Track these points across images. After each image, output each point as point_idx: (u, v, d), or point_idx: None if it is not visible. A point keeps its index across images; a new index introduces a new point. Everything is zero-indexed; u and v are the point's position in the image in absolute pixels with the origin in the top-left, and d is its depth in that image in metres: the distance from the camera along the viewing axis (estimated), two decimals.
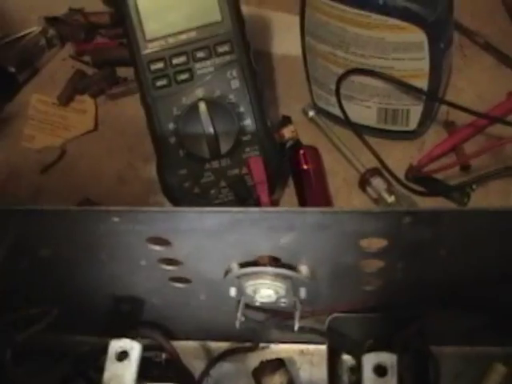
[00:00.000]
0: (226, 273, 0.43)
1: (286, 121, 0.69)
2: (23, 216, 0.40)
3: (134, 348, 0.42)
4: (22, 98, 0.78)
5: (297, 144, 0.67)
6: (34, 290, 0.46)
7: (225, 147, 0.61)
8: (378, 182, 0.64)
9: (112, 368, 0.42)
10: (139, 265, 0.43)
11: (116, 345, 0.42)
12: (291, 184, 0.66)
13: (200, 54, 0.61)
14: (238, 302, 0.45)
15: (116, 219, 0.38)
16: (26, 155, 0.73)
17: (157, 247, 0.41)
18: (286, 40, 0.75)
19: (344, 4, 0.59)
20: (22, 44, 0.80)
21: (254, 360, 0.53)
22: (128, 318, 0.49)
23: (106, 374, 0.42)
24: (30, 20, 0.82)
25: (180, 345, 0.52)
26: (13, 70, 0.78)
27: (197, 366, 0.53)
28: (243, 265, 0.43)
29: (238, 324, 0.45)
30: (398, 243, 0.40)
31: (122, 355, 0.42)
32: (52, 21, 0.81)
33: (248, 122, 0.61)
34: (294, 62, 0.70)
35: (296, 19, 0.65)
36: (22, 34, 0.82)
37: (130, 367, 0.41)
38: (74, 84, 0.76)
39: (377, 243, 0.41)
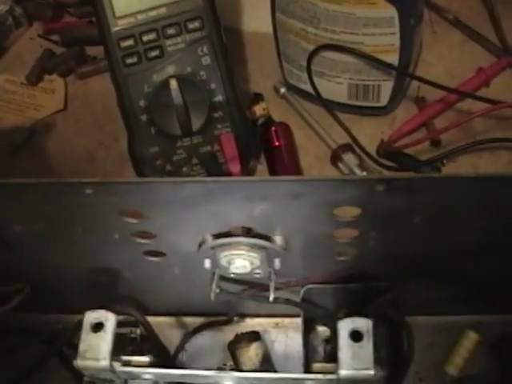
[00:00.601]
0: (200, 244, 0.43)
1: (258, 98, 0.69)
2: None
3: (109, 319, 0.42)
4: None
5: (268, 121, 0.68)
6: (5, 268, 0.45)
7: (196, 124, 0.60)
8: (349, 158, 0.64)
9: (87, 339, 0.41)
10: (113, 238, 0.43)
11: (91, 316, 0.42)
12: (263, 161, 0.67)
13: (170, 31, 0.60)
14: (213, 274, 0.45)
15: (89, 191, 0.38)
16: None
17: (130, 220, 0.41)
18: (256, 17, 0.75)
19: None
20: None
21: (229, 333, 0.53)
22: (102, 293, 0.48)
23: (82, 346, 0.42)
24: None
25: (154, 320, 0.52)
26: None
27: (172, 341, 0.53)
28: (217, 236, 0.43)
29: (213, 296, 0.45)
30: (371, 212, 0.41)
31: (98, 327, 0.42)
32: None
33: (219, 99, 0.61)
34: (265, 38, 0.70)
35: None
36: None
37: (106, 338, 0.41)
38: (42, 63, 0.76)
39: (351, 212, 0.41)
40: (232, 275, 0.46)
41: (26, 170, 0.69)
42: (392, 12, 0.59)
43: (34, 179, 0.38)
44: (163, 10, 0.60)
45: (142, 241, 0.44)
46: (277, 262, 0.44)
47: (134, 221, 0.41)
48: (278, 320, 0.55)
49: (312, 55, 0.64)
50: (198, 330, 0.53)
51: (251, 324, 0.55)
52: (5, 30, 0.79)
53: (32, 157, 0.70)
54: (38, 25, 0.80)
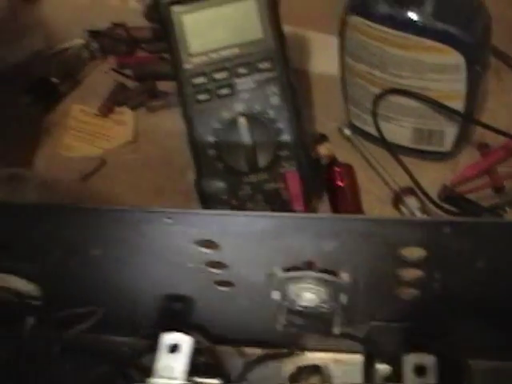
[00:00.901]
0: (269, 277, 0.44)
1: (323, 138, 0.71)
2: (77, 215, 0.42)
3: (186, 341, 0.44)
4: (63, 108, 0.80)
5: (332, 161, 0.69)
6: (82, 290, 0.47)
7: (263, 161, 0.62)
8: (411, 201, 0.65)
9: (164, 359, 0.43)
10: (187, 267, 0.45)
11: (168, 338, 0.44)
12: (326, 200, 0.68)
13: (241, 70, 0.63)
14: (280, 306, 0.46)
15: (169, 220, 0.40)
16: (65, 164, 0.75)
17: (205, 250, 0.43)
18: (323, 59, 0.77)
19: (384, 25, 0.61)
20: (66, 56, 0.83)
21: (289, 366, 0.54)
22: (171, 318, 0.50)
23: (158, 365, 0.43)
24: (74, 33, 0.85)
25: (217, 348, 0.53)
26: (55, 80, 0.81)
27: (233, 370, 0.54)
28: (287, 269, 0.44)
29: (279, 328, 0.46)
30: (436, 253, 0.42)
31: (174, 348, 0.43)
32: (95, 34, 0.84)
33: (286, 138, 0.62)
34: (331, 80, 0.72)
35: (333, 39, 0.67)
36: (65, 46, 0.84)
37: (182, 359, 0.43)
38: (115, 96, 0.79)
39: (416, 252, 0.42)
40: (299, 308, 0.47)
41: (93, 199, 0.71)
42: (459, 59, 0.60)
43: (119, 206, 0.40)
44: (235, 50, 0.63)
45: (214, 270, 0.45)
46: (343, 297, 0.45)
47: (208, 251, 0.43)
48: (338, 356, 0.56)
49: (378, 99, 0.65)
50: (259, 360, 0.54)
51: (311, 358, 0.55)
52: (81, 62, 0.82)
53: (100, 186, 0.73)
54: (112, 59, 0.83)
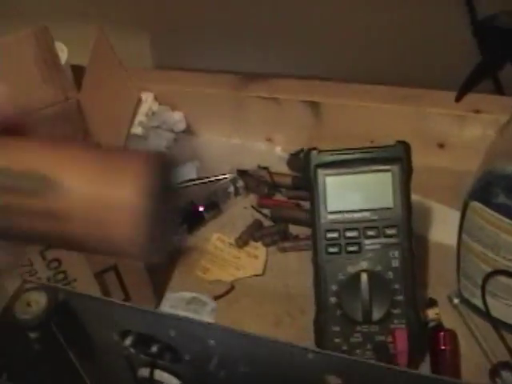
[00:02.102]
0: None
1: (432, 303, 0.77)
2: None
3: None
4: (204, 234, 0.91)
5: (439, 326, 0.75)
6: None
7: (376, 315, 0.69)
8: (507, 376, 0.70)
9: None
10: None
11: None
12: (427, 359, 0.74)
13: (370, 233, 0.71)
14: None
15: (310, 356, 0.47)
16: (199, 284, 0.85)
17: None
18: (442, 230, 0.85)
19: (500, 214, 0.68)
20: (214, 187, 0.94)
21: None
22: None
23: None
24: (223, 169, 0.96)
25: None
26: (201, 208, 0.91)
27: None
28: None
29: None
30: None
31: None
32: (242, 173, 0.94)
33: (400, 298, 0.70)
34: (447, 250, 0.80)
35: (453, 213, 0.75)
36: (214, 178, 0.96)
37: None
38: (251, 231, 0.88)
39: None
40: None
41: (219, 318, 0.80)
42: None
43: (274, 338, 0.47)
44: (367, 214, 0.72)
45: None
46: None
47: None
48: None
49: (488, 277, 0.72)
50: None
51: None
52: (226, 195, 0.93)
53: (226, 309, 0.82)
54: (254, 197, 0.93)
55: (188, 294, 0.78)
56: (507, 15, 0.59)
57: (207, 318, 0.75)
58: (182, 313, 0.72)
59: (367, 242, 0.71)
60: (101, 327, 0.54)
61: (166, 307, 0.74)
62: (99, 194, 0.34)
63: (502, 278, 0.71)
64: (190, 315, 0.69)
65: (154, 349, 0.52)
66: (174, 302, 0.75)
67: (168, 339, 0.49)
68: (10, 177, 0.35)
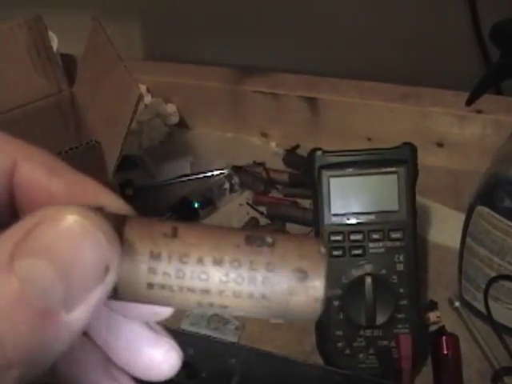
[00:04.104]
0: None
1: (433, 306, 0.77)
2: None
3: None
4: None
5: (440, 329, 0.75)
6: None
7: (380, 319, 0.68)
8: (510, 382, 0.70)
9: None
10: None
11: None
12: (429, 363, 0.73)
13: (375, 236, 0.70)
14: None
15: (339, 378, 0.46)
16: None
17: None
18: (442, 230, 0.84)
19: (507, 219, 0.67)
20: (208, 183, 0.92)
21: None
22: None
23: None
24: (217, 164, 0.95)
25: None
26: (196, 204, 0.90)
27: None
28: None
29: None
30: None
31: None
32: (237, 169, 0.93)
33: (404, 303, 0.69)
34: (447, 251, 0.79)
35: (452, 213, 0.74)
36: (209, 174, 0.94)
37: None
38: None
39: None
40: None
41: None
42: None
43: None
44: (372, 217, 0.71)
45: None
46: None
47: None
48: None
49: (492, 281, 0.71)
50: None
51: None
52: (221, 192, 0.91)
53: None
54: (250, 194, 0.92)
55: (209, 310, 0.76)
56: None
57: (230, 336, 0.73)
58: (203, 331, 0.70)
59: (372, 245, 0.70)
60: None
61: (187, 325, 0.73)
62: None
63: (506, 283, 0.71)
64: (211, 333, 0.68)
65: None
66: (195, 320, 0.73)
67: (185, 357, 0.47)
68: None
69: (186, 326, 0.72)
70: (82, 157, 0.71)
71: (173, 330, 0.49)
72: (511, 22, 0.58)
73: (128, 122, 0.70)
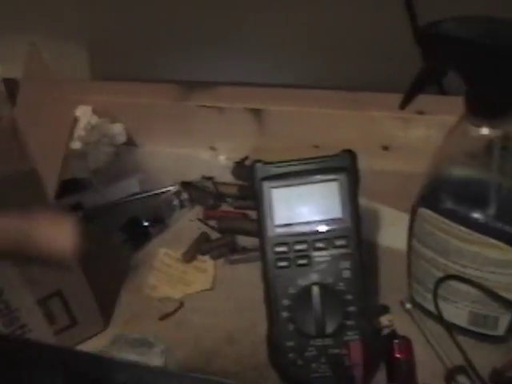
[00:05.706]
0: None
1: (384, 310, 0.77)
2: None
3: None
4: (150, 250, 0.89)
5: (392, 333, 0.75)
6: None
7: (330, 328, 0.68)
8: (463, 380, 0.70)
9: None
10: None
11: None
12: (382, 369, 0.73)
13: (319, 244, 0.70)
14: None
15: None
16: (147, 302, 0.82)
17: None
18: (391, 233, 0.84)
19: (449, 220, 0.67)
20: (157, 201, 0.92)
21: None
22: None
23: None
24: (166, 181, 0.94)
25: None
26: (146, 223, 0.89)
27: None
28: None
29: None
30: None
31: None
32: (186, 185, 0.93)
33: (352, 309, 0.69)
34: (397, 254, 0.79)
35: (400, 215, 0.74)
36: (158, 191, 0.94)
37: None
38: (198, 245, 0.87)
39: None
40: None
41: (168, 337, 0.78)
42: None
43: None
44: (315, 226, 0.70)
45: None
46: None
47: None
48: None
49: (439, 282, 0.71)
50: None
51: None
52: (170, 208, 0.91)
53: (176, 327, 0.80)
54: (200, 209, 0.92)
55: (130, 335, 0.74)
56: (451, 22, 0.58)
57: (156, 360, 0.72)
58: (128, 355, 0.69)
59: (316, 254, 0.70)
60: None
61: (114, 349, 0.71)
62: None
63: (453, 283, 0.71)
64: (137, 358, 0.67)
65: None
66: (119, 343, 0.72)
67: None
68: None
69: (112, 349, 0.70)
70: (20, 184, 0.70)
71: (93, 355, 0.49)
72: (435, 26, 0.59)
73: (64, 145, 0.70)
